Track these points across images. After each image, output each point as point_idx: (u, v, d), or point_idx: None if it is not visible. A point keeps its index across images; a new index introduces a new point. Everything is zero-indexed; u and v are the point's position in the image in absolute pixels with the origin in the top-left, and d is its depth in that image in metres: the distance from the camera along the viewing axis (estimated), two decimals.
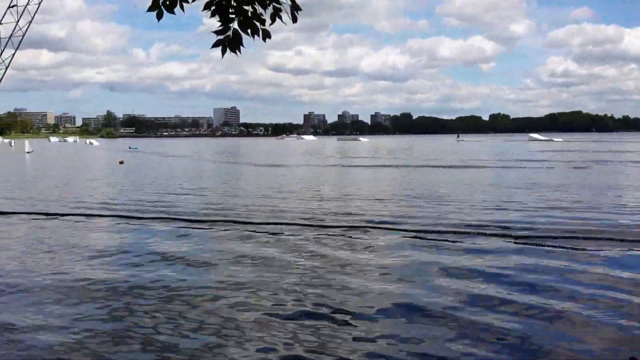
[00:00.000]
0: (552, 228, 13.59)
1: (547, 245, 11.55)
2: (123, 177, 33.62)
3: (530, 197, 20.25)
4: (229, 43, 4.54)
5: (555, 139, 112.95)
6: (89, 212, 17.41)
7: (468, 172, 34.39)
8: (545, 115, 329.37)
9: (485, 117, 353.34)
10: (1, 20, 17.18)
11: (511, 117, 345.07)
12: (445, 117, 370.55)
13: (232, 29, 4.50)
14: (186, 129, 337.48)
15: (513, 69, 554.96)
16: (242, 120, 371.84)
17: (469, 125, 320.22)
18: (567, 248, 11.39)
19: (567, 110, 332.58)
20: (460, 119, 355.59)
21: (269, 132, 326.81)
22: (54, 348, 6.47)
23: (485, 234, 12.69)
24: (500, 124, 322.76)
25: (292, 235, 13.22)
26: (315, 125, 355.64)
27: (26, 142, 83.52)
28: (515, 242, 11.93)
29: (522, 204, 18.19)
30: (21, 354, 6.36)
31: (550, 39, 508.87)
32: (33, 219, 16.31)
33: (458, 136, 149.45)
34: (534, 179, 28.44)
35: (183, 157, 63.52)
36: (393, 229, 13.70)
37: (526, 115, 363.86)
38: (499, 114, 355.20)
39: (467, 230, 13.29)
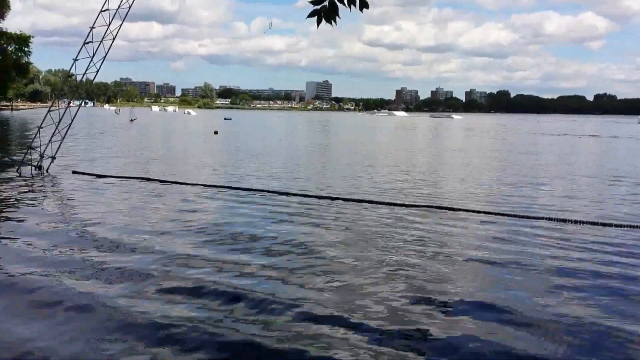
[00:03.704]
0: None
1: None
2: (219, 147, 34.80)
3: None
4: (325, 13, 4.43)
5: None
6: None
7: None
8: None
9: (590, 98, 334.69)
10: None
11: (618, 98, 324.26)
12: (546, 97, 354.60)
13: None
14: (278, 102, 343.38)
15: (625, 47, 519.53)
16: (333, 94, 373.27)
17: (570, 105, 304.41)
18: None
19: None
20: (561, 98, 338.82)
21: (360, 107, 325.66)
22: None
23: None
24: (605, 105, 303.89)
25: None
26: (407, 101, 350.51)
27: (130, 110, 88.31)
28: None
29: None
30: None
31: None
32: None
33: None
34: None
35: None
36: None
37: (636, 96, 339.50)
38: (605, 94, 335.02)
39: None
